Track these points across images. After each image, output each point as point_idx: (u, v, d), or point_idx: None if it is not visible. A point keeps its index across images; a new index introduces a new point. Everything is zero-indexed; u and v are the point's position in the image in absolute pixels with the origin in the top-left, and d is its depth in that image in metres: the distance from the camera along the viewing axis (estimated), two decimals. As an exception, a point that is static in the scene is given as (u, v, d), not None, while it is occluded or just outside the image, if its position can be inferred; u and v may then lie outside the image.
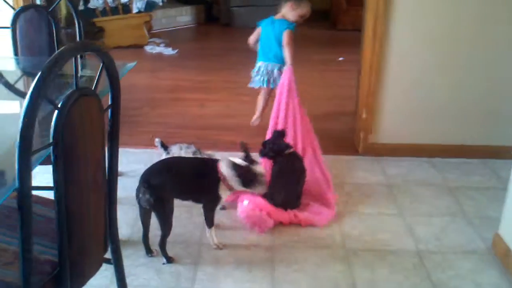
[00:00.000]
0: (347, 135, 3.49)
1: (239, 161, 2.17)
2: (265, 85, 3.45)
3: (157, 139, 2.66)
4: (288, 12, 3.36)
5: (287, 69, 3.01)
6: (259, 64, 3.47)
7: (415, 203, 2.71)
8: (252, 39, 3.51)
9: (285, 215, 2.50)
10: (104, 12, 5.80)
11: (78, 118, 1.20)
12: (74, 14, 2.55)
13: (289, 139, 2.72)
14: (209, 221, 2.27)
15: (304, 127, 2.84)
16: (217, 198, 2.22)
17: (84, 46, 1.50)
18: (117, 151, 1.48)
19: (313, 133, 2.88)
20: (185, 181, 2.21)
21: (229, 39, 6.66)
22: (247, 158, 2.21)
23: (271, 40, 3.36)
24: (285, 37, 3.27)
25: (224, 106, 4.14)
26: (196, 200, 2.28)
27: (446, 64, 3.03)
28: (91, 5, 5.76)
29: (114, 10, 5.83)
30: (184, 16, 7.27)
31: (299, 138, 2.80)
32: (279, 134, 2.63)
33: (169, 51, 5.79)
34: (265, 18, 3.46)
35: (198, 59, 5.70)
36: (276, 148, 2.55)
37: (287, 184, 2.54)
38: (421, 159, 3.20)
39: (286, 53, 3.24)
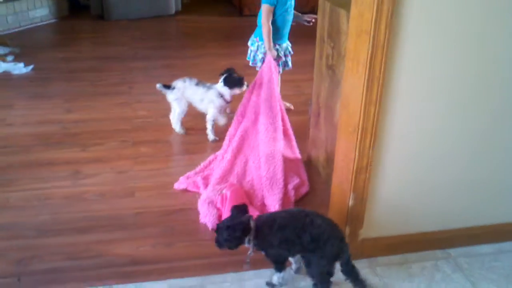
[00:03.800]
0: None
1: None
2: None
3: (158, 85, 2.88)
4: None
5: (267, 56, 2.76)
6: None
7: None
8: None
9: None
10: None
11: None
12: None
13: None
14: None
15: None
16: None
17: None
18: None
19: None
20: None
21: (105, 40, 4.91)
22: None
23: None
24: (261, 12, 2.83)
25: (112, 173, 2.64)
26: None
27: (467, 118, 1.88)
28: None
29: None
30: (39, 10, 5.43)
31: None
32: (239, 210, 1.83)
33: (20, 68, 4.09)
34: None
35: (64, 79, 4.01)
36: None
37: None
38: (435, 254, 2.10)
39: (263, 34, 2.84)
